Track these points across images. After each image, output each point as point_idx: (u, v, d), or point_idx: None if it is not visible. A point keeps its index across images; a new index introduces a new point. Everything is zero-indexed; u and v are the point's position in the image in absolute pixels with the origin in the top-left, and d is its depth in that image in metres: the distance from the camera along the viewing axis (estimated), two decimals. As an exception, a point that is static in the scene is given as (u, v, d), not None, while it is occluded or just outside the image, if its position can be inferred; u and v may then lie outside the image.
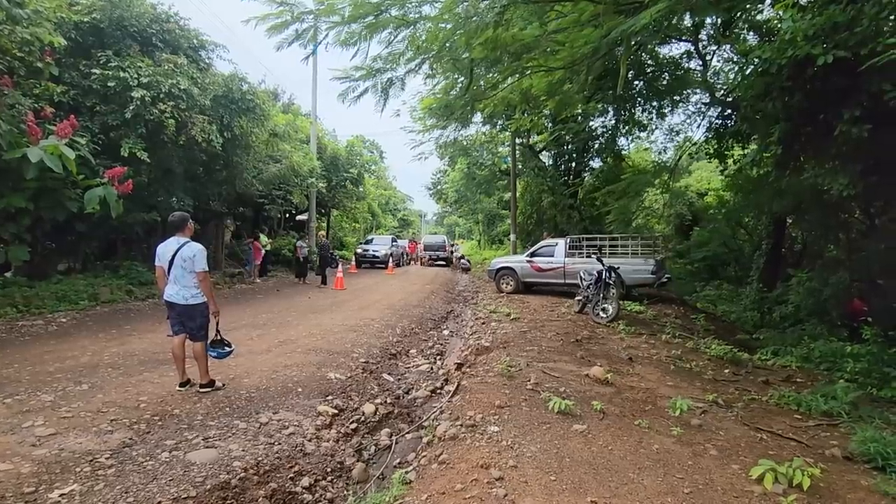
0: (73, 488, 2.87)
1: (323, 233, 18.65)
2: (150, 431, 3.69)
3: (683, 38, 11.38)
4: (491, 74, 7.73)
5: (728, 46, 11.38)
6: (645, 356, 6.47)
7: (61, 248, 10.38)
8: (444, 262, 26.81)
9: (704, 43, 11.73)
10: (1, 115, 7.22)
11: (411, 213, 61.47)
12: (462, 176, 26.12)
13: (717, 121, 12.20)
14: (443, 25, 5.49)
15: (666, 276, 11.45)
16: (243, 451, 3.49)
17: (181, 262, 4.38)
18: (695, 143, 13.76)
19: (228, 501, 2.96)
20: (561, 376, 5.16)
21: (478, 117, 14.61)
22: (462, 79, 7.43)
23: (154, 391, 4.51)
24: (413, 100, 19.63)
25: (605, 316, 8.77)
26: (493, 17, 4.82)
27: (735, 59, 11.62)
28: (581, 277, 9.93)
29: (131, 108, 9.27)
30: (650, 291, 12.16)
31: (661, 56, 12.47)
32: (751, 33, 10.95)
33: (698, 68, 12.16)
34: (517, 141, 19.56)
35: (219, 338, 4.68)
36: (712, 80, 11.80)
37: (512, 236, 19.57)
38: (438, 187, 32.49)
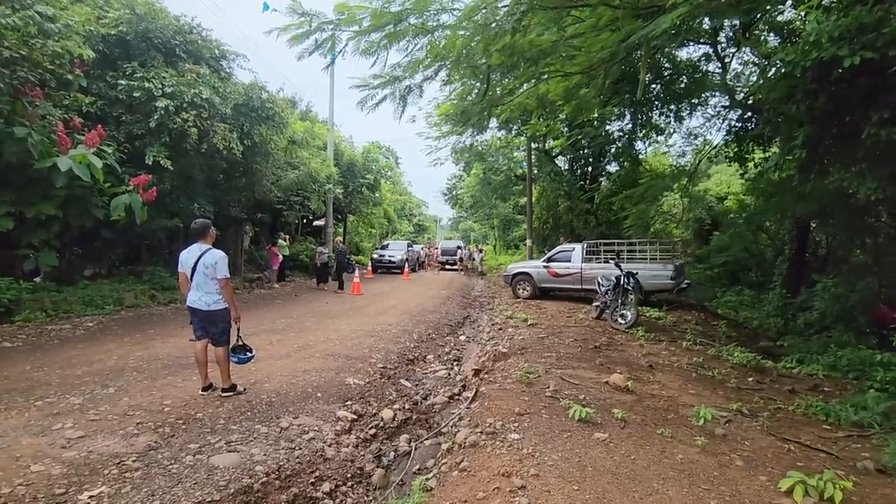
0: (101, 490, 2.93)
1: (340, 238, 18.83)
2: (175, 435, 3.76)
3: (702, 40, 11.24)
4: (507, 80, 7.74)
5: (748, 49, 11.21)
6: (665, 363, 6.37)
7: (88, 254, 10.66)
8: (460, 268, 26.91)
9: (724, 45, 11.56)
10: (33, 125, 7.47)
11: (426, 218, 61.67)
12: (477, 181, 26.13)
13: (737, 124, 12.00)
14: (461, 33, 5.52)
15: (685, 281, 11.27)
16: (265, 455, 3.53)
17: (203, 268, 4.45)
18: (714, 147, 13.55)
19: (251, 505, 2.99)
20: (580, 383, 5.11)
21: (493, 122, 14.61)
22: (478, 85, 7.46)
23: (178, 395, 4.60)
24: (429, 106, 19.70)
25: (623, 322, 8.66)
26: (512, 24, 4.83)
27: (756, 62, 11.45)
28: (599, 283, 9.82)
29: (155, 117, 9.51)
30: (669, 297, 11.97)
31: (678, 59, 12.34)
32: (772, 35, 10.77)
33: (717, 71, 11.99)
34: (533, 146, 19.51)
35: (240, 343, 4.75)
36: (732, 83, 11.62)
37: (528, 241, 19.48)
38: (454, 192, 32.52)
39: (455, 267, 27.20)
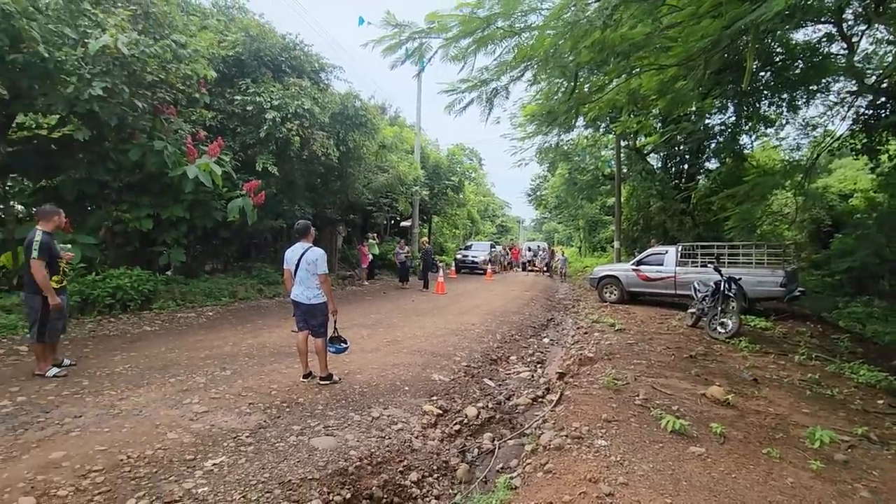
0: (222, 460, 3.31)
1: (425, 239, 19.38)
2: (280, 416, 4.13)
3: (823, 19, 10.00)
4: (596, 77, 7.49)
5: (881, 26, 9.78)
6: (773, 378, 5.81)
7: (207, 252, 12.04)
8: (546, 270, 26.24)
9: (850, 23, 10.20)
10: (168, 139, 8.63)
11: (509, 219, 61.27)
12: (563, 181, 25.44)
13: (866, 112, 10.55)
14: (549, 32, 5.46)
15: (798, 289, 10.13)
16: (358, 441, 3.76)
17: (306, 265, 4.82)
18: (837, 138, 12.00)
19: (346, 486, 3.20)
20: (673, 393, 4.83)
21: (580, 121, 14.17)
22: (565, 83, 7.30)
23: (282, 380, 5.05)
24: (514, 107, 19.57)
25: (723, 331, 8.01)
26: (603, 20, 4.69)
27: (892, 39, 9.97)
28: (695, 288, 9.17)
29: (265, 128, 10.51)
30: (779, 306, 10.83)
31: (793, 42, 11.09)
32: (913, 8, 9.31)
33: (842, 53, 10.60)
34: (622, 143, 18.63)
35: (336, 335, 5.11)
36: (860, 66, 10.21)
37: (616, 243, 18.63)
38: (537, 193, 32.01)
39: (532, 269, 26.61)
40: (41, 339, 4.85)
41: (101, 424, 3.72)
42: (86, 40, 7.21)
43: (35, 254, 4.66)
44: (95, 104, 7.21)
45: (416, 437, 4.05)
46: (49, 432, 3.55)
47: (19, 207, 9.37)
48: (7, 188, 9.04)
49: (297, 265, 4.85)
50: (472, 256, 23.66)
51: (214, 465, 3.25)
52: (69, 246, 6.08)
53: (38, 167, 8.50)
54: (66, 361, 5.22)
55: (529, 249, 28.98)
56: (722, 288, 8.15)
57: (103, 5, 7.87)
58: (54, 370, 4.93)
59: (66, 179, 8.18)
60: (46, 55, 6.72)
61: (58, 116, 8.14)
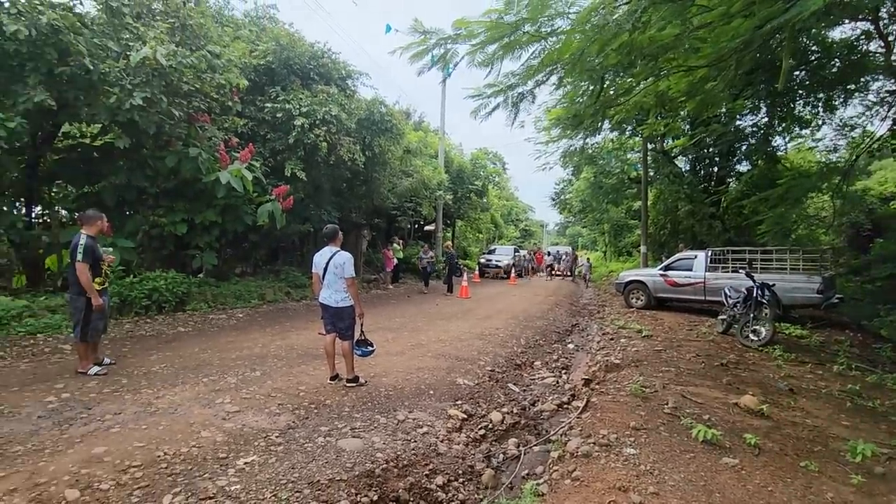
0: (253, 459, 3.39)
1: (449, 243, 19.40)
2: (308, 417, 4.21)
3: (860, 17, 9.63)
4: (622, 79, 7.40)
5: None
6: (810, 388, 5.60)
7: (237, 255, 12.37)
8: (570, 274, 25.79)
9: (886, 21, 9.79)
10: (202, 146, 8.93)
11: (533, 223, 60.84)
12: (587, 185, 25.11)
13: (908, 111, 10.09)
14: (576, 36, 5.44)
15: (836, 296, 9.74)
16: (384, 444, 3.79)
17: (333, 268, 4.90)
18: (877, 139, 11.51)
19: (373, 489, 3.23)
20: (704, 402, 4.72)
21: (606, 124, 13.99)
22: (591, 87, 7.24)
23: (310, 382, 5.15)
24: (539, 111, 19.46)
25: (756, 339, 7.77)
26: (632, 22, 4.65)
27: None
28: (726, 294, 8.93)
29: (293, 134, 10.76)
30: (816, 314, 10.44)
31: (828, 40, 10.71)
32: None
33: (880, 51, 10.18)
34: (649, 146, 18.31)
35: (363, 338, 5.17)
36: (902, 63, 9.78)
37: (642, 248, 18.28)
38: (562, 197, 31.68)
39: (556, 274, 26.11)
40: (84, 338, 5.07)
41: (139, 421, 3.87)
42: (127, 52, 7.54)
43: (80, 257, 4.89)
44: (136, 113, 7.53)
45: (442, 441, 4.06)
46: (91, 428, 3.71)
47: (63, 212, 9.84)
48: (53, 194, 9.50)
49: (326, 269, 4.93)
50: (496, 261, 23.60)
51: (246, 463, 3.33)
52: (111, 249, 6.35)
53: (81, 174, 8.92)
54: (107, 360, 5.44)
55: (549, 254, 28.37)
56: (755, 294, 7.91)
57: (144, 19, 8.23)
58: (95, 368, 5.15)
59: (107, 185, 8.55)
60: (91, 67, 7.06)
61: (100, 125, 8.53)
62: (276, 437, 3.78)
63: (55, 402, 4.23)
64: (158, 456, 3.30)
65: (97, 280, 5.08)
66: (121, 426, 3.77)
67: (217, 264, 10.25)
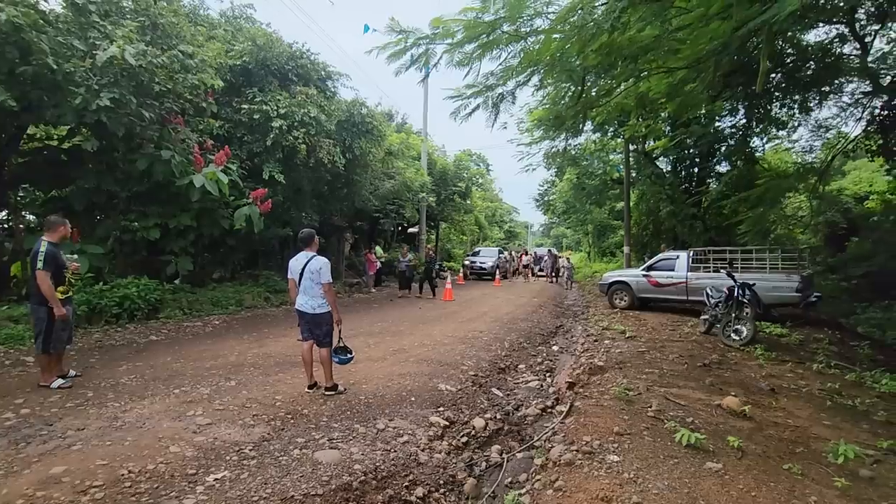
0: (224, 474, 3.23)
1: (431, 246, 19.30)
2: (284, 428, 4.05)
3: (835, 19, 9.83)
4: (604, 80, 7.40)
5: (895, 25, 9.60)
6: (791, 388, 5.63)
7: (214, 260, 12.08)
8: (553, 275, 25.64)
9: (863, 23, 10.01)
10: (176, 148, 8.67)
11: (517, 224, 61.08)
12: (570, 186, 25.28)
13: (881, 112, 10.32)
14: (555, 36, 5.39)
15: (815, 294, 9.90)
16: (363, 454, 3.67)
17: (309, 274, 4.77)
18: (851, 140, 11.77)
19: (350, 503, 3.12)
20: (687, 404, 4.69)
21: (588, 125, 14.06)
22: (573, 88, 7.22)
23: (287, 391, 4.98)
24: (521, 112, 19.50)
25: (737, 338, 7.84)
26: (611, 22, 4.61)
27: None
28: (707, 294, 9.00)
29: (271, 136, 10.55)
30: (795, 312, 10.60)
31: (804, 43, 10.91)
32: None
33: (855, 53, 10.40)
34: (631, 147, 18.49)
35: (341, 345, 5.04)
36: (875, 66, 10.01)
37: (625, 248, 18.45)
38: (545, 198, 31.80)
39: (538, 275, 25.91)
40: (46, 349, 4.84)
41: (103, 437, 3.67)
42: (94, 52, 7.27)
43: (40, 265, 4.66)
44: (103, 115, 7.27)
45: (423, 450, 3.95)
46: (51, 446, 3.51)
47: (30, 217, 9.47)
48: (18, 198, 9.14)
49: (301, 274, 4.81)
50: (480, 262, 23.57)
51: (216, 479, 3.18)
52: (76, 256, 6.10)
53: (48, 177, 8.60)
54: (72, 373, 5.20)
55: (526, 253, 27.99)
56: (736, 294, 7.98)
57: (112, 17, 7.95)
58: (59, 381, 4.91)
59: (76, 189, 8.24)
60: (55, 67, 6.79)
61: (68, 127, 8.22)
62: (250, 450, 3.62)
63: (13, 419, 4.00)
64: (122, 474, 3.11)
65: (60, 289, 4.85)
66: (83, 443, 3.57)
67: (193, 270, 9.98)
